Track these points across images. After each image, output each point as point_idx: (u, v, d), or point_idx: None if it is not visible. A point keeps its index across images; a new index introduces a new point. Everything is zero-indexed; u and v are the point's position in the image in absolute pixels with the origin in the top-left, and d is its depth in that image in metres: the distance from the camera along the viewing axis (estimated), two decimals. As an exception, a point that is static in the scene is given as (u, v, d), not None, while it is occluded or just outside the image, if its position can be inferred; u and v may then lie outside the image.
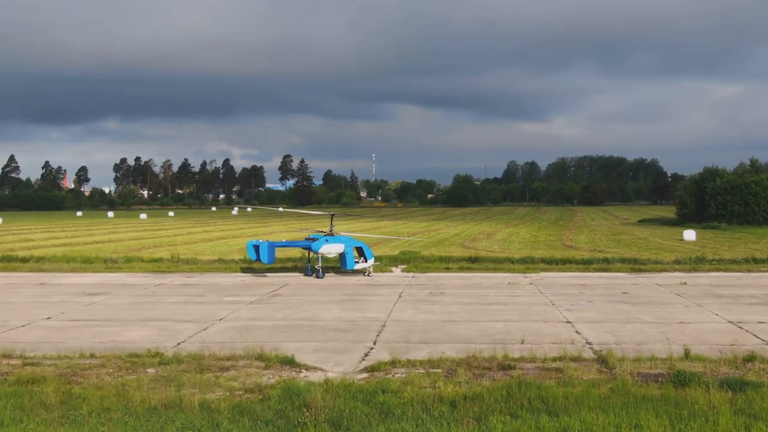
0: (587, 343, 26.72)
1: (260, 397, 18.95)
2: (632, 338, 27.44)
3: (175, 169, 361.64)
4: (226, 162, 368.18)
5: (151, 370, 21.79)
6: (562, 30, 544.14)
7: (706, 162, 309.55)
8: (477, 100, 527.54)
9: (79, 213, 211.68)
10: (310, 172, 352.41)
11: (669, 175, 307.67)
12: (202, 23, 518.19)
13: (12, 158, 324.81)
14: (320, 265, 47.90)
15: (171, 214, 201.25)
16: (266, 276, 48.35)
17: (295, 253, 56.52)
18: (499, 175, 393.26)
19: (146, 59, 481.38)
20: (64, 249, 64.66)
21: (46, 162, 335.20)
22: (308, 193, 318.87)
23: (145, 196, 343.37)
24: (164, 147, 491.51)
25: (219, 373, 21.50)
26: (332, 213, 54.59)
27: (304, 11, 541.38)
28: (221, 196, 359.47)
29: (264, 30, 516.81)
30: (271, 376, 21.41)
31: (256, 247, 46.99)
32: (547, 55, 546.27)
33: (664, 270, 51.01)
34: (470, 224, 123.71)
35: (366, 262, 48.77)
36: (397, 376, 21.39)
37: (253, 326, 30.02)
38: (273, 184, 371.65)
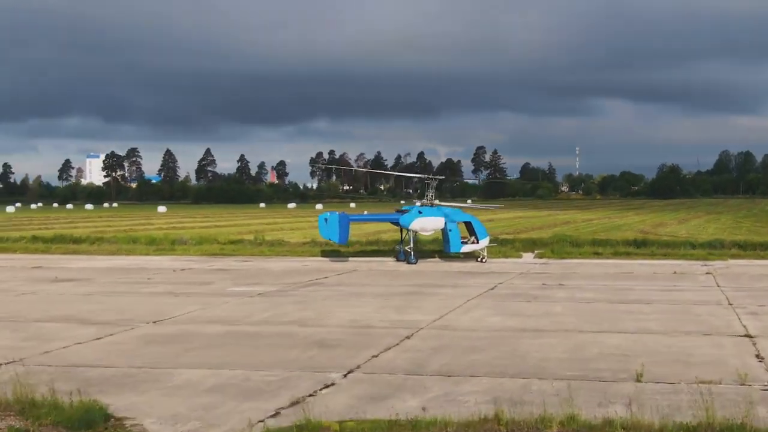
0: (774, 382, 13.14)
1: None
2: None
3: (370, 164, 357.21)
4: (421, 156, 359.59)
5: None
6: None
7: None
8: (687, 93, 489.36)
9: (262, 205, 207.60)
10: (503, 163, 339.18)
11: None
12: (405, 23, 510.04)
13: (208, 151, 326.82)
14: (412, 246, 35.36)
15: (352, 205, 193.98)
16: (347, 260, 36.71)
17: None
18: (710, 168, 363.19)
19: (350, 60, 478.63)
20: (161, 232, 55.49)
21: (242, 155, 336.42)
22: (500, 185, 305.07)
23: (343, 190, 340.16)
24: (366, 145, 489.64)
25: None
26: (433, 176, 40.10)
27: (506, 7, 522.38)
28: (418, 190, 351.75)
29: (467, 27, 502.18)
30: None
31: (327, 221, 35.17)
32: (763, 45, 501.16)
33: None
34: (664, 213, 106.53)
35: (477, 242, 35.78)
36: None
37: (189, 333, 18.16)
38: (470, 178, 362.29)
